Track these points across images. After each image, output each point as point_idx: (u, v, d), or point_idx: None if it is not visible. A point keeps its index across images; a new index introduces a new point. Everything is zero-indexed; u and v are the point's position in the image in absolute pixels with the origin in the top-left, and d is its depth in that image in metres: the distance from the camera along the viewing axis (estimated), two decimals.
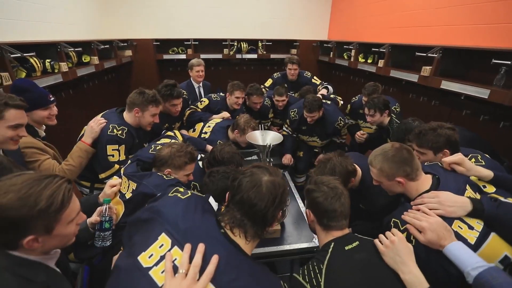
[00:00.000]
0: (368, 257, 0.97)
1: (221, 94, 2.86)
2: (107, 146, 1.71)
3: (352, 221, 1.21)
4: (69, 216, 0.82)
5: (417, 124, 1.89)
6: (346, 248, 0.98)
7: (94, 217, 1.19)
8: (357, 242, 1.00)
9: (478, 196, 1.12)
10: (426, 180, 1.19)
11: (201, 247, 0.76)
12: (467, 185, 1.15)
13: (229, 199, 0.91)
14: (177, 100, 2.20)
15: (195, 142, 2.01)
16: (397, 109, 2.67)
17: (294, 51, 5.00)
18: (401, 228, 1.08)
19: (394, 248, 0.95)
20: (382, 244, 0.99)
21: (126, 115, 1.86)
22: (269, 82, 3.52)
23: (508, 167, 1.77)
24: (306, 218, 1.25)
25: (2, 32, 2.27)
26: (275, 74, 3.56)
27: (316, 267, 0.95)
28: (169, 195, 0.96)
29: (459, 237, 0.99)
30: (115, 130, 1.74)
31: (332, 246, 1.00)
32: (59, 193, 0.77)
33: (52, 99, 1.65)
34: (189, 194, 0.97)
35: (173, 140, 1.74)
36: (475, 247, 0.97)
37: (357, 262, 0.94)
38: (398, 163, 1.16)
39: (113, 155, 1.73)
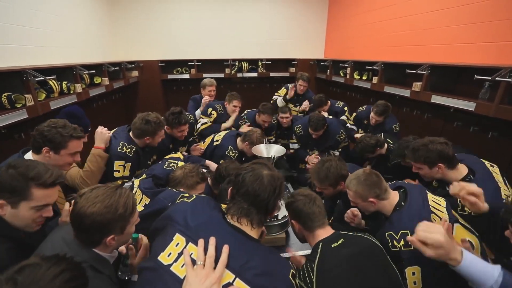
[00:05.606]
0: (353, 250, 1.08)
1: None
2: (115, 162, 1.82)
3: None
4: (135, 218, 1.01)
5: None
6: (333, 245, 1.11)
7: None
8: (342, 239, 1.13)
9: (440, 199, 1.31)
10: (395, 196, 1.35)
11: (212, 240, 0.85)
12: (426, 191, 1.34)
13: (233, 193, 1.00)
14: (183, 127, 2.31)
15: (195, 159, 2.13)
16: (397, 128, 2.79)
17: (292, 69, 5.22)
18: (397, 237, 1.16)
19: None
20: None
21: (135, 138, 1.95)
22: (283, 91, 3.80)
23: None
24: (293, 230, 1.36)
25: (23, 57, 2.46)
26: (289, 84, 3.81)
27: (308, 266, 1.07)
28: (177, 202, 1.08)
29: None
30: (124, 148, 1.85)
31: (320, 246, 1.12)
32: (130, 200, 0.98)
33: (89, 129, 1.86)
34: (194, 197, 1.08)
35: (178, 162, 1.85)
36: None
37: (344, 256, 1.06)
38: (369, 186, 1.32)
39: (118, 171, 1.83)
